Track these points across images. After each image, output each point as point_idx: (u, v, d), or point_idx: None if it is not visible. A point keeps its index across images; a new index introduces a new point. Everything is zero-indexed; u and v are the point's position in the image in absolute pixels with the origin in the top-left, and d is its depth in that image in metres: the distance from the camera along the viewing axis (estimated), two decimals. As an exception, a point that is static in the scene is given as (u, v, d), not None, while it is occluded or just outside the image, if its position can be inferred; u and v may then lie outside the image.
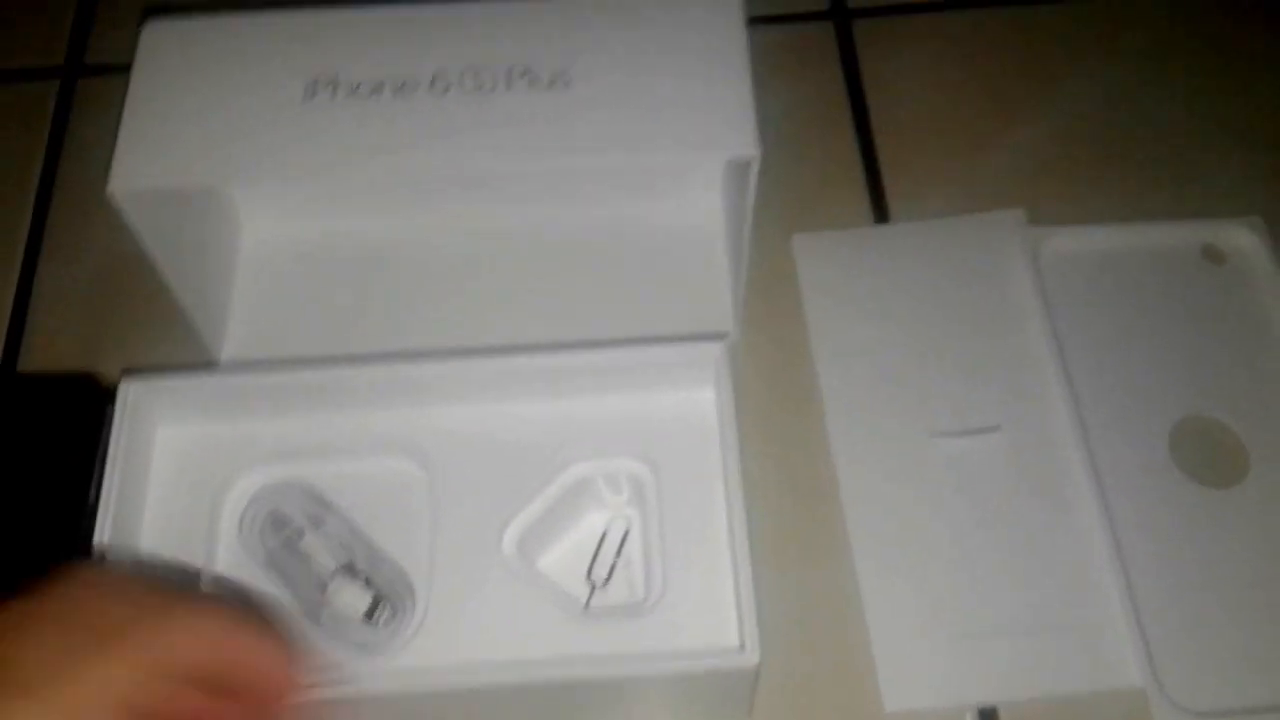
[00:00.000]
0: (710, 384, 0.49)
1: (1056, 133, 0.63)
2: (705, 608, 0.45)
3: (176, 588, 0.36)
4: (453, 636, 0.45)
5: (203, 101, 0.46)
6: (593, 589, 0.48)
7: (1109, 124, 0.64)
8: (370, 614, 0.46)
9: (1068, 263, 0.59)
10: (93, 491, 0.46)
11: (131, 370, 0.48)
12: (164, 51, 0.47)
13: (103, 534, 0.44)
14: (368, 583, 0.46)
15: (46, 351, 0.58)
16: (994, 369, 0.56)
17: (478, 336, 0.54)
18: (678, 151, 0.45)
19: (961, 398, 0.55)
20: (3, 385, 0.57)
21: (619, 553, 0.50)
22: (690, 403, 0.49)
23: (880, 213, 0.61)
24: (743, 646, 0.42)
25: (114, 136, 0.46)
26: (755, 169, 0.45)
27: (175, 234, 0.50)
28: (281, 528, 0.47)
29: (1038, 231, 0.59)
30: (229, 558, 0.47)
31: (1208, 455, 0.53)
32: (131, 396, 0.47)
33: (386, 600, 0.46)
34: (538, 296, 0.56)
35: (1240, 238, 0.59)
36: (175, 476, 0.48)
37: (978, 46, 0.66)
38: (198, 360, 0.55)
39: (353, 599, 0.46)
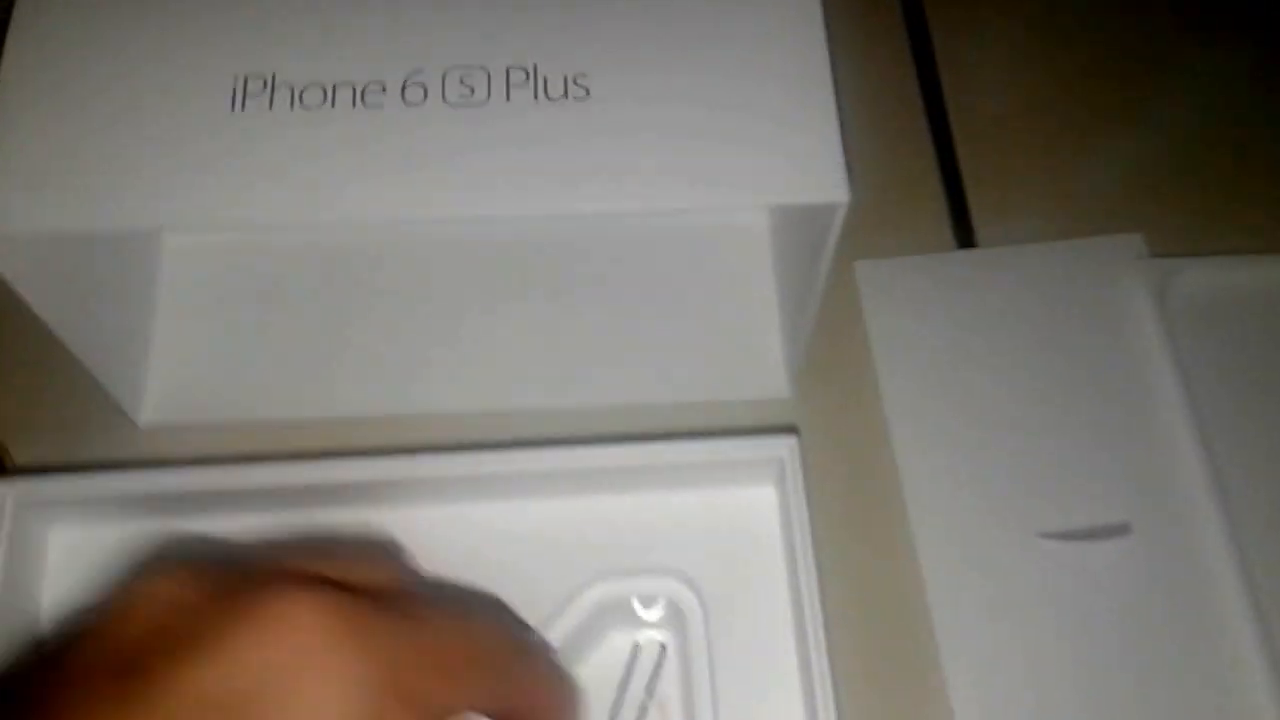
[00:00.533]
0: (772, 480, 0.39)
1: (1178, 137, 0.51)
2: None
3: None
4: None
5: (91, 114, 0.34)
6: None
7: (1242, 123, 0.51)
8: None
9: (1201, 304, 0.47)
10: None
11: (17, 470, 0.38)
12: (39, 39, 0.35)
13: None
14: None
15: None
16: (1115, 445, 0.44)
17: (465, 397, 0.43)
18: (735, 193, 0.33)
19: (1075, 485, 0.44)
20: None
21: (651, 689, 0.39)
22: (745, 503, 0.39)
23: (964, 235, 0.50)
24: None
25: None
26: (840, 217, 0.33)
27: (64, 282, 0.38)
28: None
29: (1163, 264, 0.47)
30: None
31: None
32: (17, 497, 0.37)
33: None
34: (542, 343, 0.45)
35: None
36: (70, 583, 0.39)
37: (1079, 26, 0.54)
38: (109, 420, 0.43)
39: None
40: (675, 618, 0.38)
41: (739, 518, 0.40)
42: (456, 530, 0.39)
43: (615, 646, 0.39)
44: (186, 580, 0.26)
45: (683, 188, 0.32)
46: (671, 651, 0.39)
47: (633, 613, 0.39)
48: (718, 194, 0.32)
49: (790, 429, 0.41)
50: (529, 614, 0.38)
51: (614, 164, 0.33)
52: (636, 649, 0.39)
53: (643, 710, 0.39)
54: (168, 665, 0.23)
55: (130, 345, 0.43)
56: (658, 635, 0.39)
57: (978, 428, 0.45)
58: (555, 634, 0.37)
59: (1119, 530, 0.42)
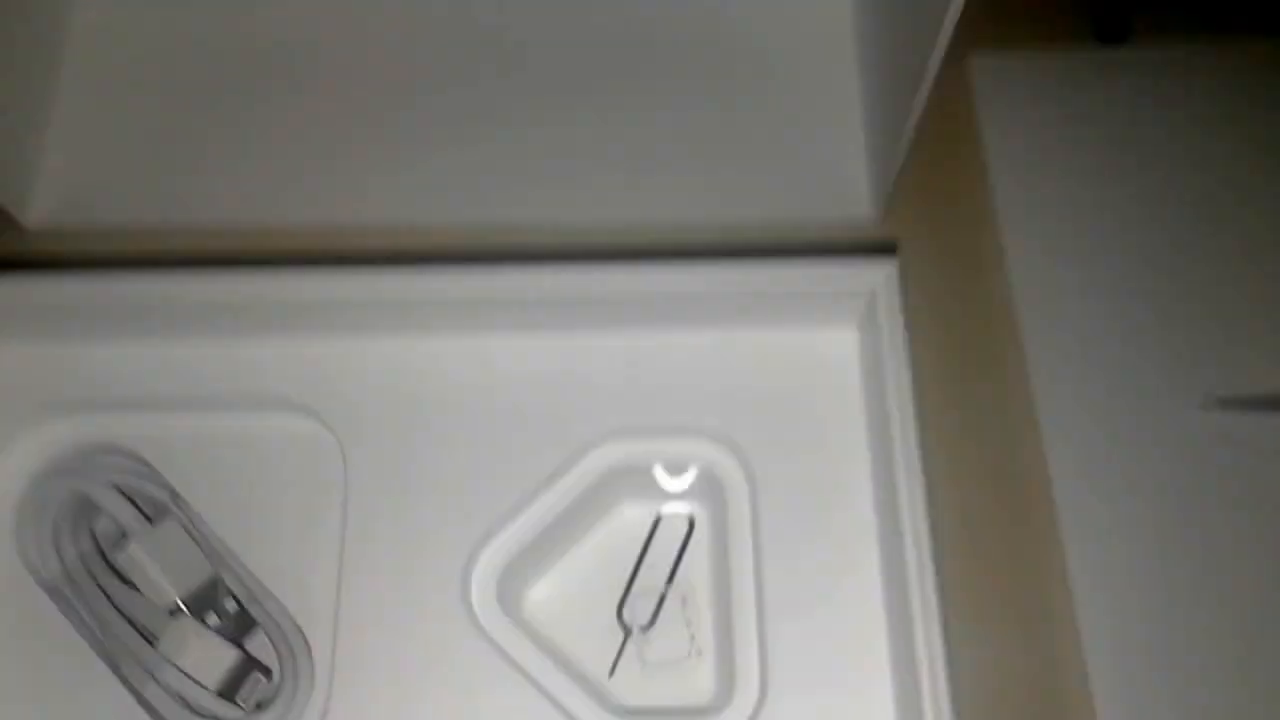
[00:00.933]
0: (855, 320, 0.32)
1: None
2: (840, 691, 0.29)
3: None
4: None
5: None
6: (626, 638, 0.30)
7: None
8: (234, 686, 0.29)
9: None
10: None
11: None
12: None
13: None
14: (233, 627, 0.29)
15: None
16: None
17: (444, 204, 0.36)
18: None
19: (1247, 341, 0.35)
20: None
21: (672, 576, 0.30)
22: (814, 347, 0.32)
23: (1107, 25, 0.40)
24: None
25: None
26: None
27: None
28: (87, 524, 0.30)
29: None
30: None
31: None
32: None
33: (259, 669, 0.29)
34: (554, 126, 0.37)
35: None
36: None
37: None
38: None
39: (205, 655, 0.29)
40: (710, 489, 0.31)
41: (804, 366, 0.32)
42: (398, 364, 0.32)
43: (628, 521, 0.31)
44: None
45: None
46: (703, 528, 0.31)
47: (653, 481, 0.31)
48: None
49: (885, 248, 0.32)
50: (526, 473, 0.30)
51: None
52: (657, 523, 0.31)
53: (660, 601, 0.30)
54: None
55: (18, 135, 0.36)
56: (684, 508, 0.32)
57: (1119, 263, 0.36)
58: (555, 502, 0.30)
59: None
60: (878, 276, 0.31)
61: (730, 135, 0.37)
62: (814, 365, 0.32)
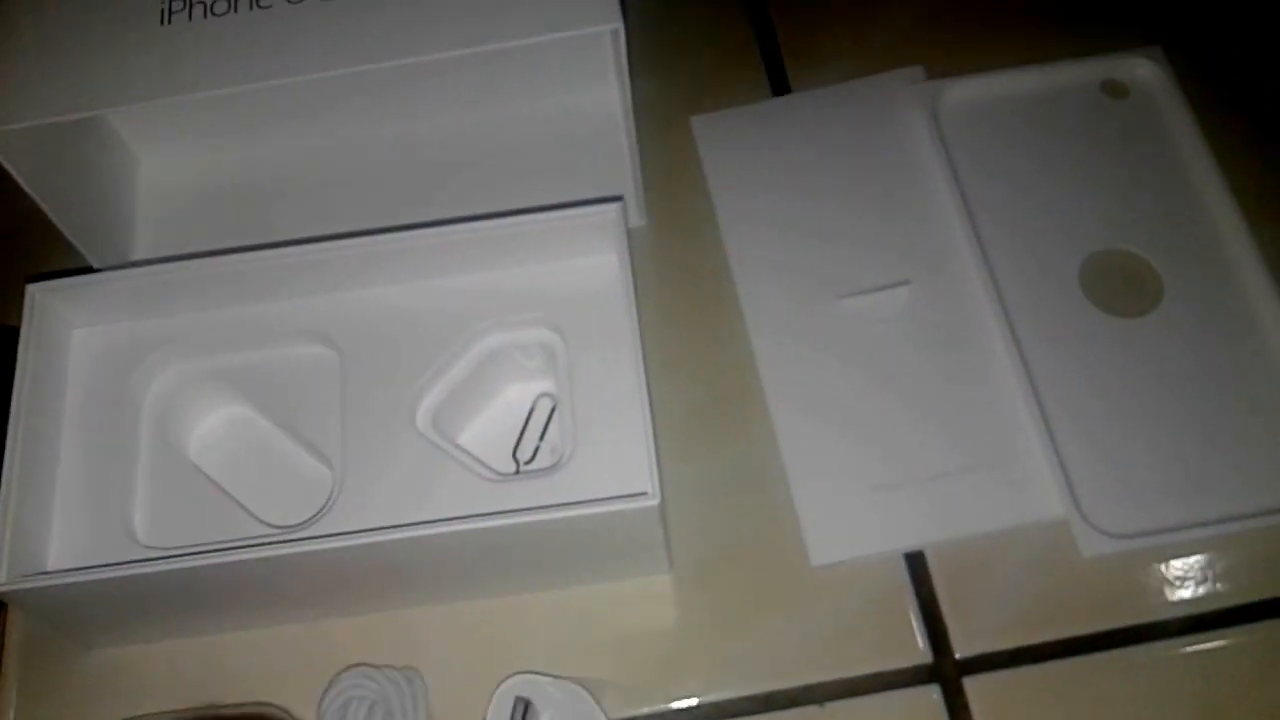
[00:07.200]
0: (612, 249, 0.49)
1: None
2: (620, 460, 0.45)
3: None
4: (372, 509, 0.45)
5: (58, 33, 0.46)
6: (518, 466, 0.49)
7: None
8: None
9: (967, 112, 0.58)
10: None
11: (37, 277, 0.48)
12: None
13: (17, 439, 0.45)
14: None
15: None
16: (901, 226, 0.56)
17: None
18: (536, 29, 0.44)
19: (870, 258, 0.55)
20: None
21: (543, 434, 0.50)
22: (595, 268, 0.50)
23: (779, 84, 0.61)
24: (650, 492, 0.43)
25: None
26: (621, 40, 0.45)
27: (62, 173, 0.50)
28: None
29: (935, 85, 0.59)
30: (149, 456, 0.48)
31: (1119, 287, 0.54)
32: (39, 300, 0.48)
33: None
34: (447, 196, 0.56)
35: (1141, 69, 0.59)
36: (91, 379, 0.49)
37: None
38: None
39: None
40: (548, 362, 0.49)
41: (593, 282, 0.49)
42: (371, 307, 0.49)
43: (509, 397, 0.51)
44: None
45: (500, 30, 0.44)
46: (550, 393, 0.50)
47: (516, 361, 0.50)
48: (520, 31, 0.44)
49: (616, 198, 0.50)
50: (431, 367, 0.48)
51: (443, 25, 0.44)
52: (536, 401, 0.51)
53: (536, 451, 0.50)
54: None
55: (117, 232, 0.55)
56: (547, 387, 0.50)
57: (794, 225, 0.56)
58: (453, 382, 0.48)
59: (900, 283, 0.54)
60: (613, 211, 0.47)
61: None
62: (595, 279, 0.49)
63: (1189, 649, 0.46)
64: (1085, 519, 0.48)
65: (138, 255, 0.56)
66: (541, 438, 0.50)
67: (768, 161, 0.58)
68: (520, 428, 0.51)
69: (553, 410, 0.50)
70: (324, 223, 0.53)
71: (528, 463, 0.50)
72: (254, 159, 0.58)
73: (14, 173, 0.47)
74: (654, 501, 0.42)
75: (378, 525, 0.43)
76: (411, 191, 0.56)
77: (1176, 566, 0.48)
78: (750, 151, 0.59)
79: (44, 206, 0.49)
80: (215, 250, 0.49)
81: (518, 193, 0.54)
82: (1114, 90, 0.59)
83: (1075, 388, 0.51)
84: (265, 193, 0.57)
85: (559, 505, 0.43)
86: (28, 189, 0.47)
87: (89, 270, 0.52)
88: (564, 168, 0.56)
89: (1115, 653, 0.47)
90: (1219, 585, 0.47)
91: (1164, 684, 0.46)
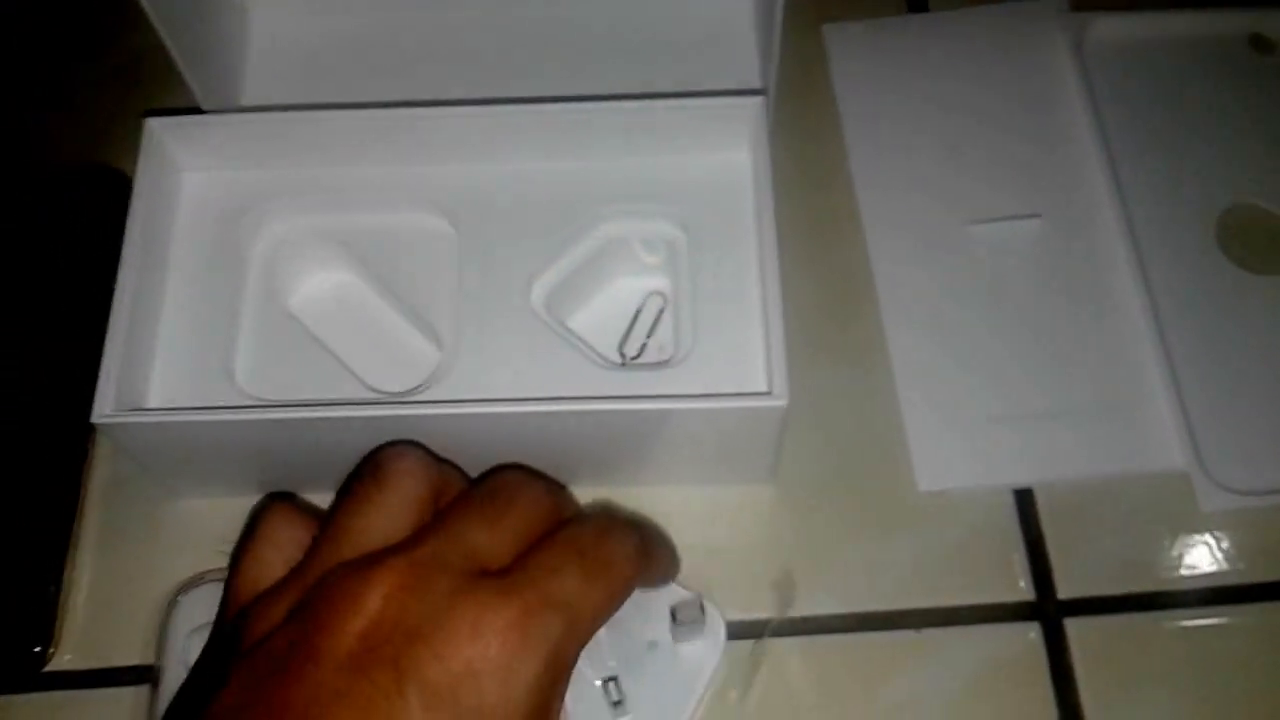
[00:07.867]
0: (745, 147, 0.47)
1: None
2: (736, 361, 0.44)
3: None
4: (480, 384, 0.44)
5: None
6: (624, 360, 0.48)
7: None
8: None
9: (1110, 50, 0.56)
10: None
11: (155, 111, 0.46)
12: None
13: (128, 276, 0.43)
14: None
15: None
16: (1035, 158, 0.54)
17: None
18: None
19: (1000, 187, 0.53)
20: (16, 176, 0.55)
21: (651, 332, 0.49)
22: (725, 165, 0.48)
23: (916, 1, 0.59)
24: (771, 391, 0.41)
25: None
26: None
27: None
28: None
29: (1079, 18, 0.57)
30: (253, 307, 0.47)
31: (1254, 242, 0.52)
32: (155, 136, 0.46)
33: None
34: (573, 75, 0.54)
35: (1290, 26, 0.57)
36: (200, 222, 0.48)
37: None
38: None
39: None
40: (670, 258, 0.48)
41: (722, 179, 0.47)
42: (491, 182, 0.48)
43: (622, 288, 0.49)
44: (394, 574, 0.31)
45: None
46: (668, 292, 0.48)
47: (636, 253, 0.48)
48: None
49: (759, 91, 0.49)
50: (548, 249, 0.46)
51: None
52: (647, 299, 0.49)
53: (643, 348, 0.49)
54: (409, 658, 0.29)
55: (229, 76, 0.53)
56: (662, 284, 0.49)
57: (924, 146, 0.54)
58: (570, 265, 0.47)
59: (1031, 216, 0.52)
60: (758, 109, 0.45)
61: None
62: (725, 177, 0.47)
63: (1303, 612, 0.45)
64: (1206, 472, 0.46)
65: (246, 102, 0.54)
66: (648, 335, 0.49)
67: (900, 77, 0.56)
68: (629, 323, 0.49)
69: (661, 310, 0.49)
70: (442, 92, 0.51)
71: (634, 358, 0.48)
72: (375, 22, 0.55)
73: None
74: (781, 402, 0.41)
75: (489, 397, 0.42)
76: (538, 67, 0.54)
77: (1296, 528, 0.46)
78: (882, 65, 0.57)
79: (161, 33, 0.46)
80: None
81: (646, 80, 0.52)
82: (1261, 44, 0.57)
83: (1203, 340, 0.49)
84: (382, 57, 0.55)
85: (687, 395, 0.41)
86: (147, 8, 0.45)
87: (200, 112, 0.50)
88: (696, 60, 0.54)
89: (1225, 609, 0.45)
90: (1340, 551, 0.46)
91: (1273, 647, 0.44)
